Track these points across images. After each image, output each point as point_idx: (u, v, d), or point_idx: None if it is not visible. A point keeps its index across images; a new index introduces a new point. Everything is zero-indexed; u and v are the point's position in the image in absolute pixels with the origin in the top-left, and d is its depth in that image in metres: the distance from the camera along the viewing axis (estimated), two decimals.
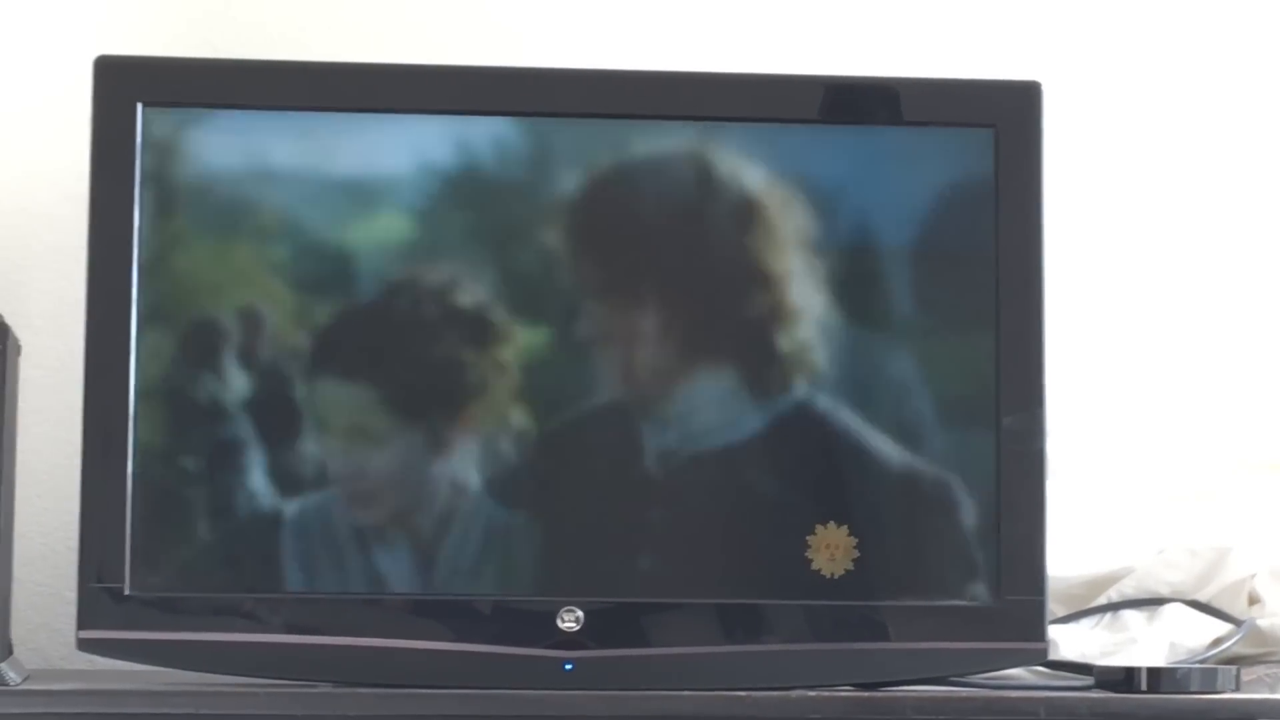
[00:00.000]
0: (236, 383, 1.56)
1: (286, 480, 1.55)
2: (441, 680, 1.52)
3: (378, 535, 1.56)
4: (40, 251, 1.91)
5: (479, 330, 1.57)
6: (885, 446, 1.57)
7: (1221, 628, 1.73)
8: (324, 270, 1.57)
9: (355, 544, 1.55)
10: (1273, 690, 1.66)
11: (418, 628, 1.55)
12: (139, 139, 1.56)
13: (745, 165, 1.59)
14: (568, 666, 1.54)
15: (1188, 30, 2.05)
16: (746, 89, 1.62)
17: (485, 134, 1.58)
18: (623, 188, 1.59)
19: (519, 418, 1.56)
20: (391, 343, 1.57)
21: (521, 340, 1.57)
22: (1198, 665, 1.63)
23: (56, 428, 1.82)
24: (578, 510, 1.57)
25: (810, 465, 1.58)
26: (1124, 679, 1.53)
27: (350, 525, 1.55)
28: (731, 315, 1.59)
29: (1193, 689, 1.52)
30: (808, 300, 1.59)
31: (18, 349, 1.58)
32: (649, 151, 1.59)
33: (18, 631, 1.60)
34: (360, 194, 1.57)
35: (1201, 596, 1.77)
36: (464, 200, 1.59)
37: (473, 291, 1.57)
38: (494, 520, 1.56)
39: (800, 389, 1.58)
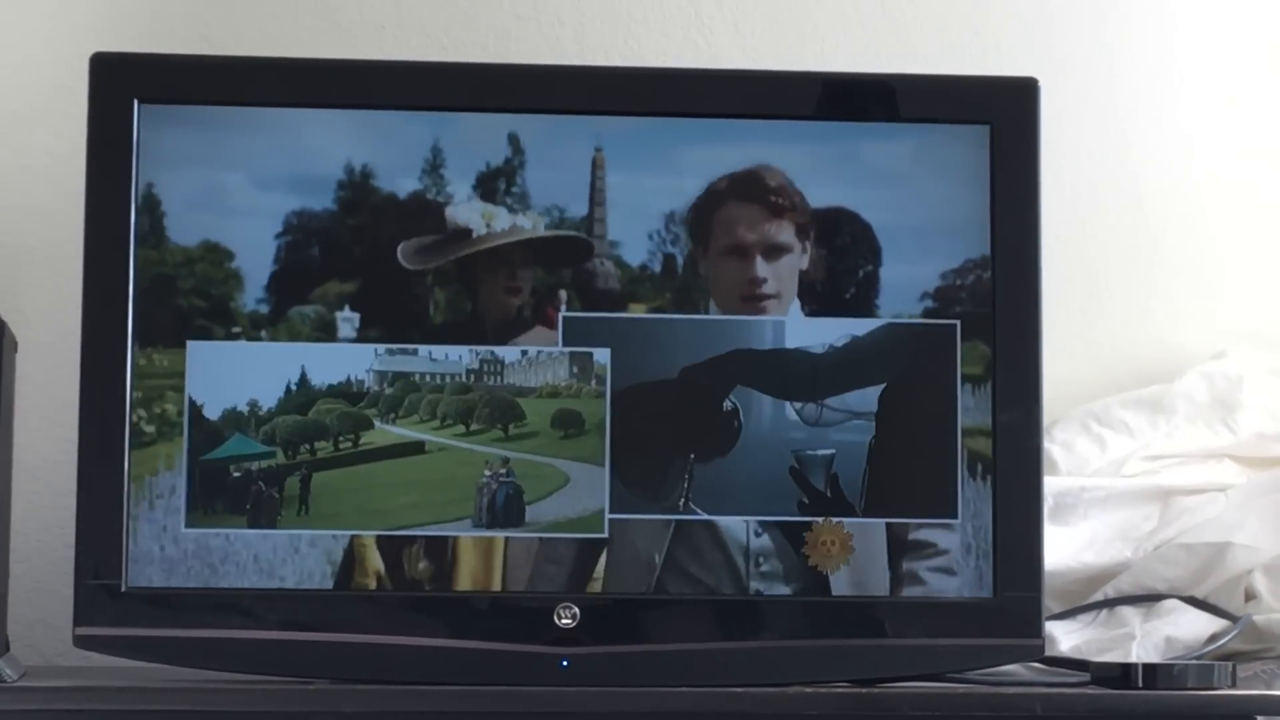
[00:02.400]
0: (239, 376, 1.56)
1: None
2: (438, 676, 1.52)
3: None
4: (37, 248, 1.91)
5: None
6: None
7: (1218, 624, 1.73)
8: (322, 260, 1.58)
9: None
10: (1269, 686, 1.66)
11: (414, 624, 1.55)
12: (135, 135, 1.56)
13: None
14: (564, 663, 1.54)
15: (1189, 26, 2.05)
16: (743, 85, 1.62)
17: (490, 130, 1.58)
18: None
19: None
20: (393, 330, 1.57)
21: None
22: (1194, 661, 1.63)
23: (53, 424, 1.82)
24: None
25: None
26: (1120, 675, 1.53)
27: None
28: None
29: (1189, 685, 1.52)
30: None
31: (14, 345, 1.58)
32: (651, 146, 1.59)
33: (14, 628, 1.60)
34: (358, 189, 1.57)
35: (1198, 592, 1.77)
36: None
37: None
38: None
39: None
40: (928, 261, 1.59)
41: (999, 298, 1.59)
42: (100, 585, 1.53)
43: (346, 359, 1.56)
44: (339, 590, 1.55)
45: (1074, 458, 1.90)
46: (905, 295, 1.59)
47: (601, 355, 1.57)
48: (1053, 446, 1.90)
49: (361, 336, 1.56)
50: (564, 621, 1.55)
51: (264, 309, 1.56)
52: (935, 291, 1.59)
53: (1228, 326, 2.02)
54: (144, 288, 1.55)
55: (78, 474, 1.54)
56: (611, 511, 1.57)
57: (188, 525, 1.54)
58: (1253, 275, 2.04)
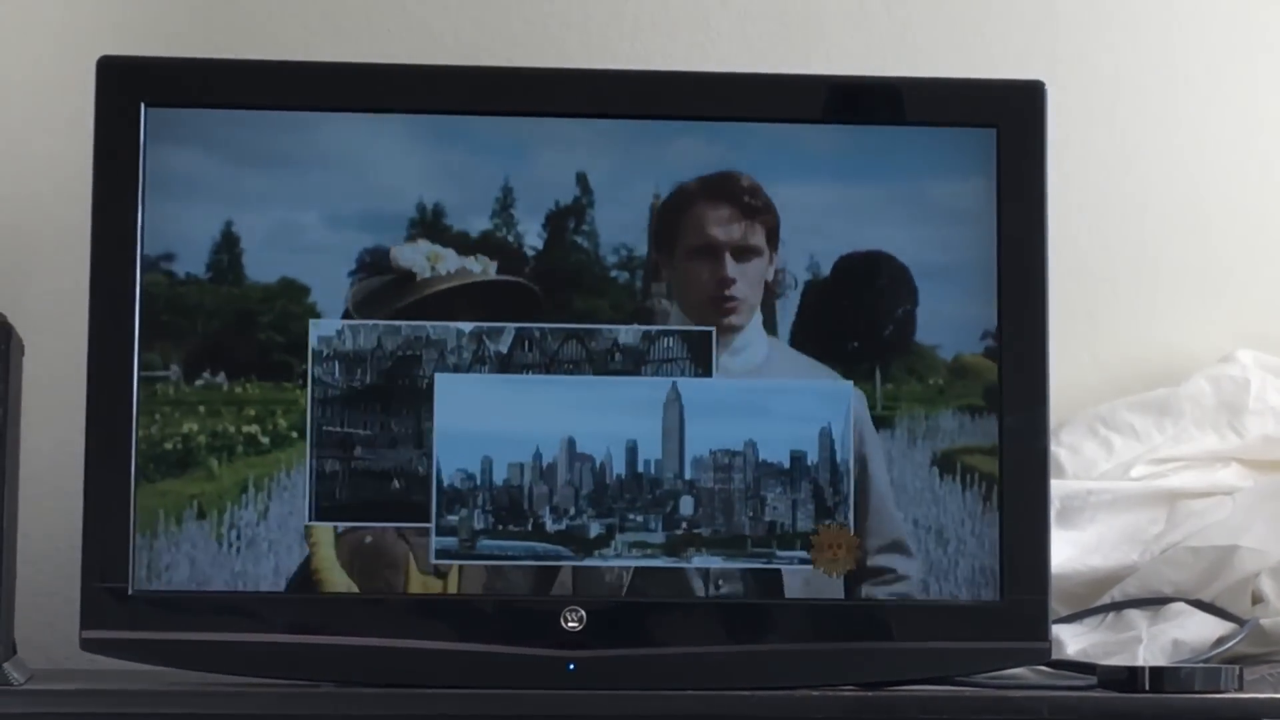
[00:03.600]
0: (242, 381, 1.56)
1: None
2: (444, 680, 1.52)
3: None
4: (44, 251, 1.91)
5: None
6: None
7: (1225, 627, 1.73)
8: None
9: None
10: (1276, 689, 1.66)
11: (421, 627, 1.55)
12: (142, 138, 1.56)
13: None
14: (571, 666, 1.54)
15: (1195, 29, 2.05)
16: (749, 87, 1.62)
17: (491, 133, 1.58)
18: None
19: None
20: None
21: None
22: (1201, 665, 1.63)
23: (60, 427, 1.82)
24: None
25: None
26: (1127, 678, 1.53)
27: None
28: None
29: (1196, 688, 1.52)
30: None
31: (21, 348, 1.58)
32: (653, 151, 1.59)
33: (21, 631, 1.59)
34: (362, 192, 1.58)
35: (1205, 596, 1.77)
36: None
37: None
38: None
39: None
40: (932, 263, 1.59)
41: (1005, 301, 1.59)
42: (107, 588, 1.54)
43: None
44: (346, 593, 1.55)
45: (1081, 461, 1.90)
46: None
47: None
48: (1059, 450, 1.90)
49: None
50: (570, 625, 1.55)
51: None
52: (938, 291, 1.59)
53: (1234, 329, 2.02)
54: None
55: (84, 477, 1.55)
56: None
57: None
58: (1259, 278, 2.04)
